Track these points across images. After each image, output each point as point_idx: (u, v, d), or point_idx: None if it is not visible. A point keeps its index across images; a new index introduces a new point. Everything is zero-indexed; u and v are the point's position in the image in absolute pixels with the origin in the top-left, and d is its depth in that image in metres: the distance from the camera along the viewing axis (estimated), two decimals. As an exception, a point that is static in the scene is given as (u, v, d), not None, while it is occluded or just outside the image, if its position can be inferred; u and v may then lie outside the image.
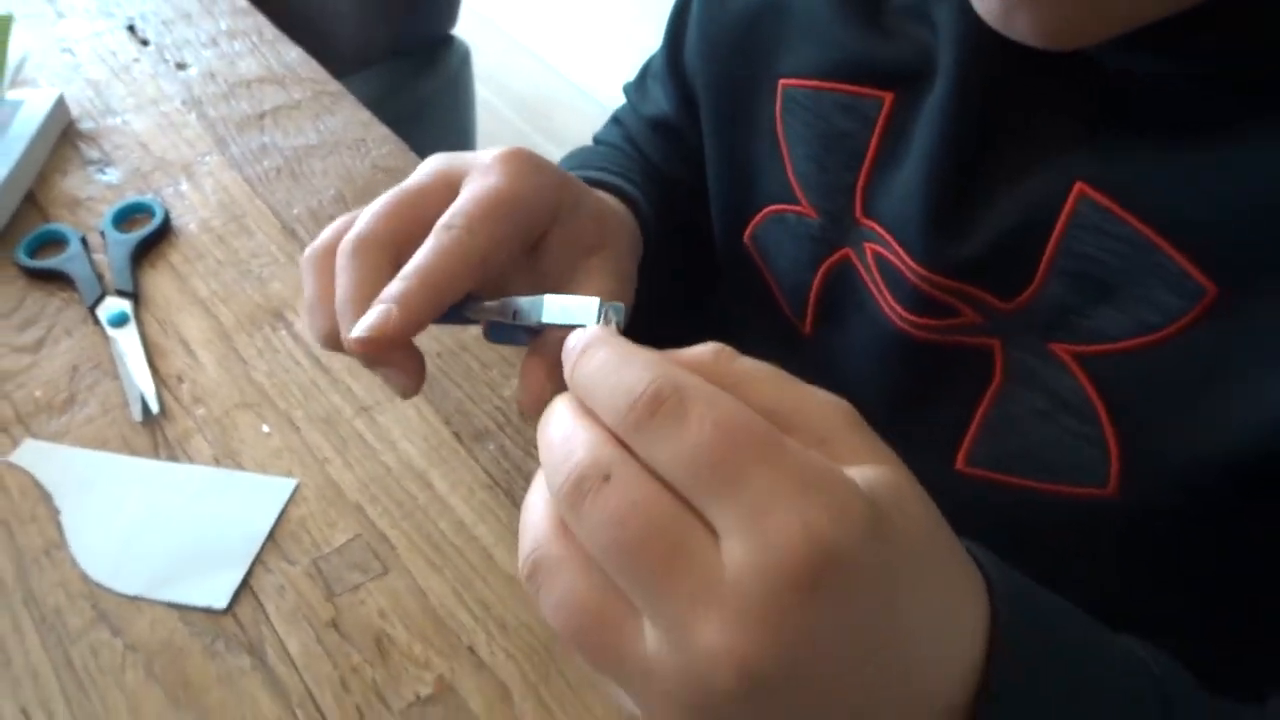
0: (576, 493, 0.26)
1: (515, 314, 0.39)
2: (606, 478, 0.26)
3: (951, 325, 0.45)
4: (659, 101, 0.63)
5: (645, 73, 0.66)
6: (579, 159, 0.62)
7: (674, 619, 0.25)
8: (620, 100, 0.70)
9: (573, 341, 0.29)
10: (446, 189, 0.41)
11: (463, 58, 1.30)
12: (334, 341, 0.40)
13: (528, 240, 0.41)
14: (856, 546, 0.24)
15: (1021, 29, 0.36)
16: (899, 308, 0.46)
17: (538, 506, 0.28)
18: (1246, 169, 0.37)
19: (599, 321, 0.36)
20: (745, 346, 0.29)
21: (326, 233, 0.42)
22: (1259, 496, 0.40)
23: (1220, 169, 0.37)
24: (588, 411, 0.28)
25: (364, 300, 0.38)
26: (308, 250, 0.42)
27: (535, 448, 0.55)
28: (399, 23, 1.25)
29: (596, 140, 0.68)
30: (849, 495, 0.25)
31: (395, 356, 0.39)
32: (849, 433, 0.27)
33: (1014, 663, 0.27)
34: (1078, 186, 0.40)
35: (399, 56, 1.25)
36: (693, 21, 0.56)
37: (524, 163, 0.41)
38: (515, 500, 0.52)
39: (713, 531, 0.25)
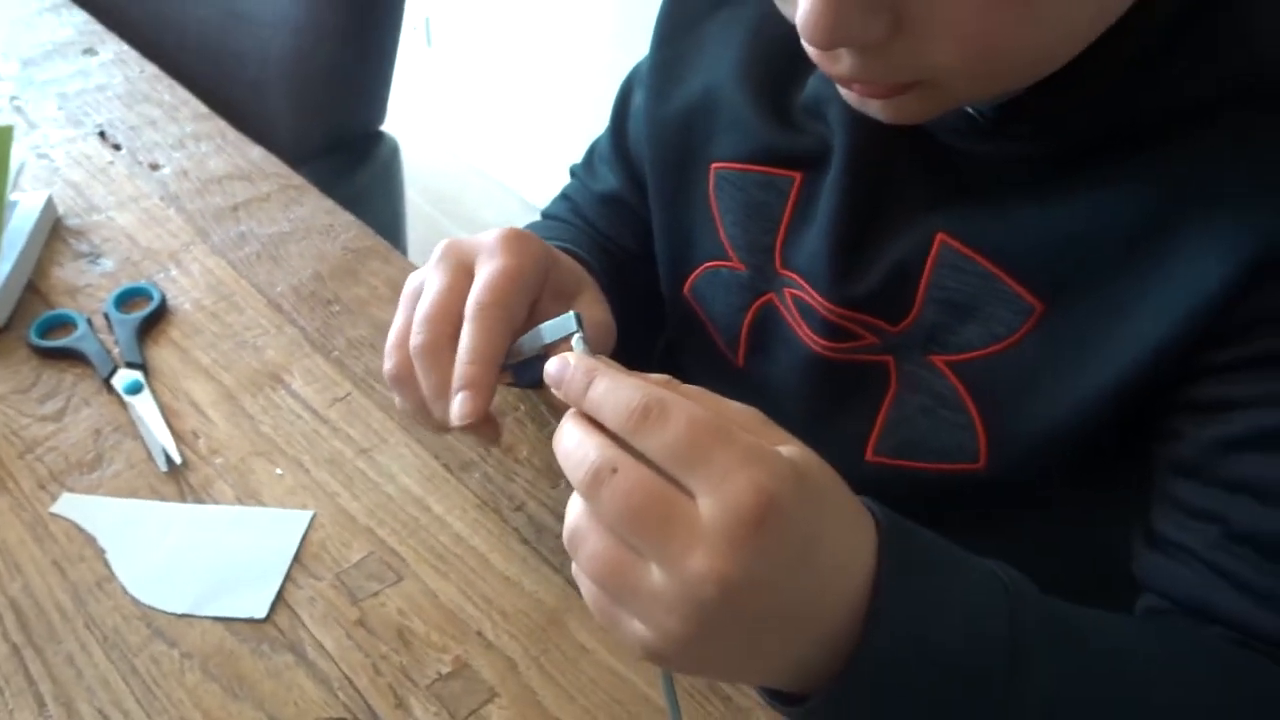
0: (595, 482, 0.37)
1: (523, 350, 0.50)
2: (614, 469, 0.37)
3: (855, 347, 0.58)
4: (607, 179, 0.75)
5: (592, 154, 0.78)
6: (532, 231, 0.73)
7: (671, 557, 0.36)
8: (541, 189, 0.82)
9: (554, 367, 0.41)
10: (467, 275, 0.51)
11: (392, 151, 1.41)
12: (442, 429, 0.51)
13: (532, 301, 0.52)
14: (789, 496, 0.35)
15: (873, 111, 0.50)
16: (814, 336, 0.59)
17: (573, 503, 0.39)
18: (1059, 215, 0.50)
19: (578, 327, 0.47)
20: (690, 379, 0.41)
21: (393, 354, 0.52)
22: (1092, 464, 0.53)
23: (1040, 216, 0.50)
24: (590, 425, 0.39)
25: (448, 391, 0.49)
26: (388, 369, 0.52)
27: (513, 474, 0.65)
28: (331, 121, 1.36)
29: (545, 215, 0.79)
30: (780, 462, 0.36)
31: (482, 424, 0.50)
32: (765, 427, 0.39)
33: (893, 561, 0.39)
34: (939, 236, 0.53)
35: (333, 152, 1.35)
36: (635, 114, 0.69)
37: (520, 240, 0.52)
38: (503, 515, 0.62)
39: (691, 496, 0.36)
